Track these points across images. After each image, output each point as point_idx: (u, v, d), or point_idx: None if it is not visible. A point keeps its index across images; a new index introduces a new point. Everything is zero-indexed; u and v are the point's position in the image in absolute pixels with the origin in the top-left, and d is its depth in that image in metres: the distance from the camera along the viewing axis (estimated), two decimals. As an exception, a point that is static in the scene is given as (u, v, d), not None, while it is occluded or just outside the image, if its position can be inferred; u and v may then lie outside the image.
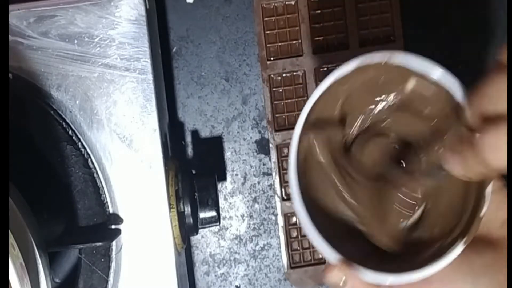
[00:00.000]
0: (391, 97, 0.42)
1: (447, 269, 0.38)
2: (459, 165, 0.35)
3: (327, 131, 0.42)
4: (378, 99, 0.42)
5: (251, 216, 0.62)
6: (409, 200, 0.42)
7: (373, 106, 0.43)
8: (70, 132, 0.50)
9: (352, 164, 0.43)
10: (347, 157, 0.43)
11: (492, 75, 0.32)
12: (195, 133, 0.62)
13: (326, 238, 0.39)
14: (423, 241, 0.41)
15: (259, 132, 0.62)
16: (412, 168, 0.42)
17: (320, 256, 0.61)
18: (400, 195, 0.42)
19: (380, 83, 0.41)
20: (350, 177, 0.42)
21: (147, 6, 0.51)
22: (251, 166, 0.62)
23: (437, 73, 0.39)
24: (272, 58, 0.61)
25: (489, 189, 0.38)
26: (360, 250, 0.42)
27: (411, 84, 0.41)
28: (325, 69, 0.61)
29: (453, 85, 0.39)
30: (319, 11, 0.61)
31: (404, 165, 0.43)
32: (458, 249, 0.38)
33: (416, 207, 0.42)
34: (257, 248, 0.62)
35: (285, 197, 0.61)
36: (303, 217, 0.39)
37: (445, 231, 0.41)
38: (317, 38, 0.61)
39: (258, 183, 0.62)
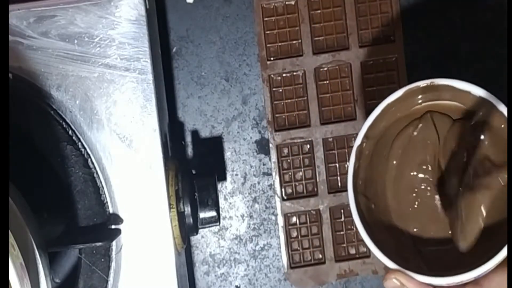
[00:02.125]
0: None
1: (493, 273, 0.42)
2: None
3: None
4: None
5: (251, 216, 0.62)
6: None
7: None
8: (70, 132, 0.50)
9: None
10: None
11: None
12: (195, 133, 0.62)
13: (378, 243, 0.45)
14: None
15: (259, 132, 0.62)
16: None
17: (320, 256, 0.61)
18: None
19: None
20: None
21: (147, 6, 0.51)
22: (251, 166, 0.62)
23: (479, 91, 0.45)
24: (272, 58, 0.61)
25: None
26: (409, 247, 0.47)
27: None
28: (325, 69, 0.61)
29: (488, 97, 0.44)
30: (319, 11, 0.61)
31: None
32: (503, 252, 0.41)
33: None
34: (257, 248, 0.62)
35: (285, 197, 0.61)
36: (360, 229, 0.45)
37: (490, 235, 0.45)
38: (317, 38, 0.61)
39: (258, 183, 0.62)
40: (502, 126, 0.44)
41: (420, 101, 0.47)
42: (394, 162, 0.49)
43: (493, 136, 0.45)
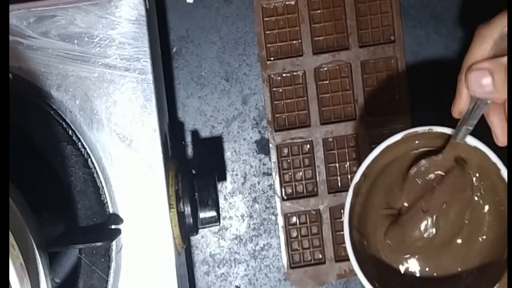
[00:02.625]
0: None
1: None
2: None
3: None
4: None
5: (251, 216, 0.62)
6: None
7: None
8: (70, 132, 0.50)
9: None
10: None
11: None
12: (195, 133, 0.62)
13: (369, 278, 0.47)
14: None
15: (259, 132, 0.62)
16: None
17: (320, 256, 0.61)
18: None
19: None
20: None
21: (147, 6, 0.51)
22: (251, 166, 0.62)
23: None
24: (272, 58, 0.61)
25: None
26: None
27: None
28: (325, 69, 0.61)
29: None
30: (319, 11, 0.61)
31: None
32: None
33: None
34: (257, 248, 0.62)
35: (285, 197, 0.61)
36: (355, 266, 0.47)
37: (480, 272, 0.48)
38: (317, 38, 0.61)
39: (258, 183, 0.62)
40: (502, 186, 0.46)
41: (417, 145, 0.48)
42: (384, 201, 0.50)
43: (488, 189, 0.47)
